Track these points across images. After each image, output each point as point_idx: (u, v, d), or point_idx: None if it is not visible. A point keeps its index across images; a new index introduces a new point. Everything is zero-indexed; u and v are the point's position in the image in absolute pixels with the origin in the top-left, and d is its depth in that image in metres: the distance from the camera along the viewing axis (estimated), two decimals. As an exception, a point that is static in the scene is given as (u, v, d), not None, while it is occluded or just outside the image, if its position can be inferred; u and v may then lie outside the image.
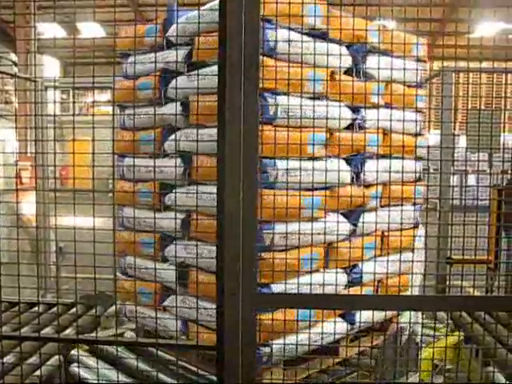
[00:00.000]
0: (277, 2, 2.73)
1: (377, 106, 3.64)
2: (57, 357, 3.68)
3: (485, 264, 5.32)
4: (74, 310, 4.73)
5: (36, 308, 4.68)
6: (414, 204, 3.85)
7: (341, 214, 3.63)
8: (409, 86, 3.91)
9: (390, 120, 3.35)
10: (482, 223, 3.67)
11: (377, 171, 3.44)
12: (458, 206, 4.31)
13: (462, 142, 9.68)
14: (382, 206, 3.86)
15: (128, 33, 3.97)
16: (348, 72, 3.69)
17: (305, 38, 3.26)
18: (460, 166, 7.24)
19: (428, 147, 3.82)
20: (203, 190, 3.28)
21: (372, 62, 3.73)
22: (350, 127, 3.70)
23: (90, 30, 14.48)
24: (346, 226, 3.64)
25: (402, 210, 3.34)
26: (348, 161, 3.71)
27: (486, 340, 4.10)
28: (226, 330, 2.31)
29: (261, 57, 2.80)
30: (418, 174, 4.10)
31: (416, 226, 4.07)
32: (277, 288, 3.09)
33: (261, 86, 2.86)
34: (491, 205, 5.79)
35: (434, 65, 4.14)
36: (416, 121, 3.95)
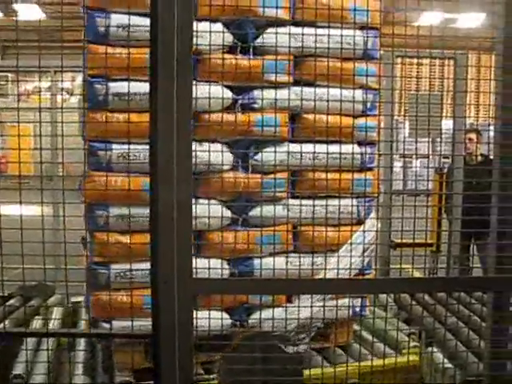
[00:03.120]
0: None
1: (279, 85, 3.42)
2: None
3: (427, 246, 5.42)
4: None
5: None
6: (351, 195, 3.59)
7: (221, 200, 3.47)
8: (344, 60, 3.34)
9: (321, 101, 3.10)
10: (423, 206, 3.68)
11: (275, 155, 3.32)
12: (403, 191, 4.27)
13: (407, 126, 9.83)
14: (298, 197, 3.57)
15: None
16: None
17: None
18: (406, 151, 7.33)
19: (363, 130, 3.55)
20: None
21: (270, 35, 3.41)
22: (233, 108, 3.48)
23: (28, 11, 13.99)
24: (220, 214, 3.35)
25: (327, 202, 3.25)
26: (229, 145, 3.49)
27: (426, 321, 4.17)
28: (161, 318, 2.25)
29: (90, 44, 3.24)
30: (357, 162, 3.66)
31: (359, 222, 3.71)
32: (116, 268, 3.28)
33: (93, 72, 3.28)
34: (433, 188, 5.92)
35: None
36: (340, 100, 3.19)
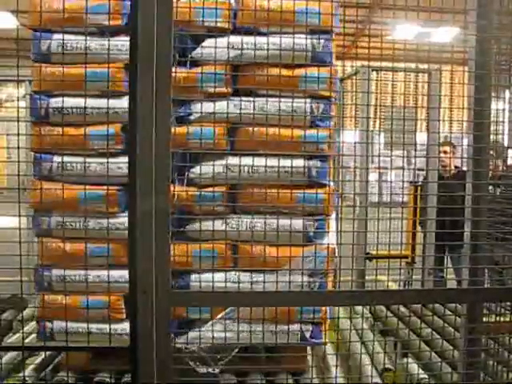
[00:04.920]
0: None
1: (218, 96, 3.39)
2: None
3: (402, 258, 5.49)
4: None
5: None
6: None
7: None
8: (289, 67, 3.36)
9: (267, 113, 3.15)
10: (399, 218, 3.69)
11: (214, 168, 3.32)
12: (381, 203, 4.24)
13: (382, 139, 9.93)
14: (238, 212, 3.48)
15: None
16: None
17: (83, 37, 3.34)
18: (382, 163, 7.37)
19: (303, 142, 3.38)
20: None
21: (208, 46, 3.36)
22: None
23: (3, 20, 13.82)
24: None
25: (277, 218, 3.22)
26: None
27: (402, 332, 4.21)
28: (139, 329, 2.25)
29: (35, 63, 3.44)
30: (302, 176, 3.45)
31: (308, 240, 3.44)
32: (59, 272, 3.43)
33: (36, 88, 3.48)
34: (408, 200, 5.99)
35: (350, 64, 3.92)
36: (276, 110, 3.32)
